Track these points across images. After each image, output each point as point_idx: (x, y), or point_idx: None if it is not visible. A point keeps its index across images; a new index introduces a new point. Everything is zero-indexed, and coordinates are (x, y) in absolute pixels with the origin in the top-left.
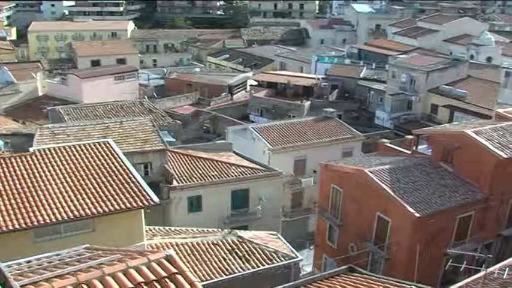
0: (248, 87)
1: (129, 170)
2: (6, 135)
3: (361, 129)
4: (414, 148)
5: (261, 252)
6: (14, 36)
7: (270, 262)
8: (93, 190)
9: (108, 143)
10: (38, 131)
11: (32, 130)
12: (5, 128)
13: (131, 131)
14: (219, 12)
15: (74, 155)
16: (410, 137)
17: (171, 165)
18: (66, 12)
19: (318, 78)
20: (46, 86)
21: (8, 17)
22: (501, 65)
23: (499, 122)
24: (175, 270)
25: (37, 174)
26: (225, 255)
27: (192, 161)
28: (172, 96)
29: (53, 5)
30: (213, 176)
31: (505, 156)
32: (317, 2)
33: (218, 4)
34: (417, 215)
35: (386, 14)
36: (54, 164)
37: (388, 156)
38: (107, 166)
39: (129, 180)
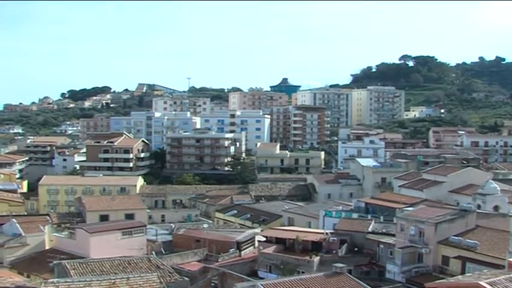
0: (256, 243)
1: None
2: None
3: (372, 284)
4: None
5: None
6: (24, 189)
7: None
8: None
9: None
10: (42, 286)
11: (37, 284)
12: (9, 281)
13: None
14: (226, 169)
15: None
16: None
17: None
18: (77, 167)
19: (327, 233)
20: (54, 239)
21: (20, 170)
22: (509, 213)
23: None
24: None
25: None
26: None
27: None
28: (180, 252)
29: (64, 160)
30: None
31: None
32: (322, 157)
33: (226, 160)
34: None
35: (391, 167)
36: None
37: None
38: None
39: None
